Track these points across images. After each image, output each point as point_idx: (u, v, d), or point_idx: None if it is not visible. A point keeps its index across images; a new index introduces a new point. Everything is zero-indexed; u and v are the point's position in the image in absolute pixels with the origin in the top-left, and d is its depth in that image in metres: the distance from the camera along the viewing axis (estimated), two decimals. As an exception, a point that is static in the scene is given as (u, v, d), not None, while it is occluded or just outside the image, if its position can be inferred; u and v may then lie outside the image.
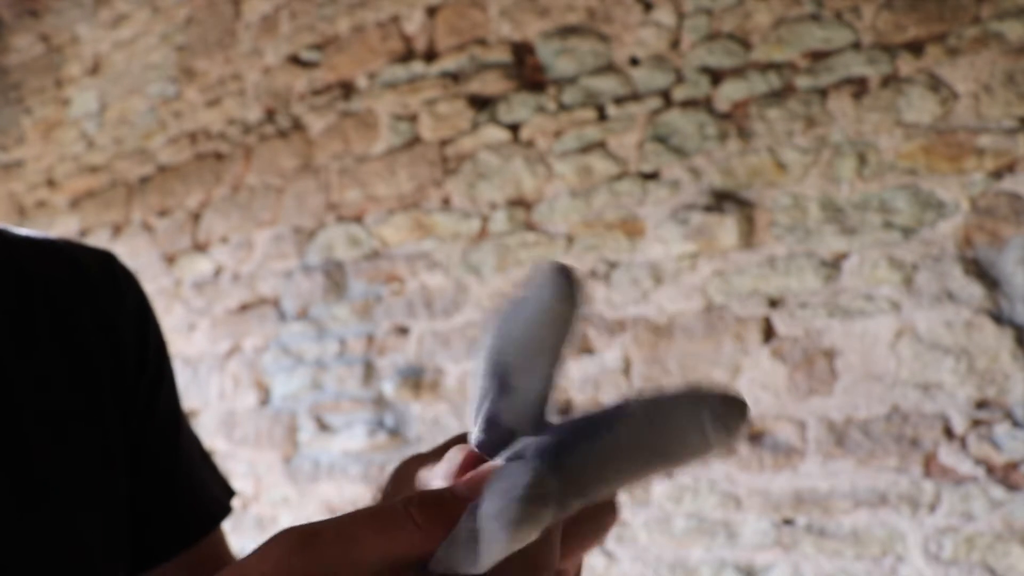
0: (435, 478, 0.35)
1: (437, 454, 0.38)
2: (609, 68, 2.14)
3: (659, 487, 1.99)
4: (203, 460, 0.69)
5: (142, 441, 0.62)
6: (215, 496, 0.68)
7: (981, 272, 1.69)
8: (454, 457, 0.34)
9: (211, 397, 2.79)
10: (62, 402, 0.57)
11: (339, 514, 0.30)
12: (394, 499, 0.31)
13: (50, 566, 0.52)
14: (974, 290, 1.69)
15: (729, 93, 1.97)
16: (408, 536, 0.30)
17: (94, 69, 3.31)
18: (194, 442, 0.69)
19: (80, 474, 0.56)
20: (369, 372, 2.47)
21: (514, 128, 2.27)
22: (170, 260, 2.96)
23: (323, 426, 2.55)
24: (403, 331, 2.42)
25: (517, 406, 0.29)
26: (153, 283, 2.94)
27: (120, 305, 0.63)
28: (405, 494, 0.32)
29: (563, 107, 2.20)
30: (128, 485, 0.60)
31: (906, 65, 1.79)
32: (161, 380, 0.65)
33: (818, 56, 1.88)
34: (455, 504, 0.31)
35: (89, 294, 0.62)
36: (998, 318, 1.67)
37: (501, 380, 0.29)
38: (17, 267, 0.59)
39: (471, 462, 0.33)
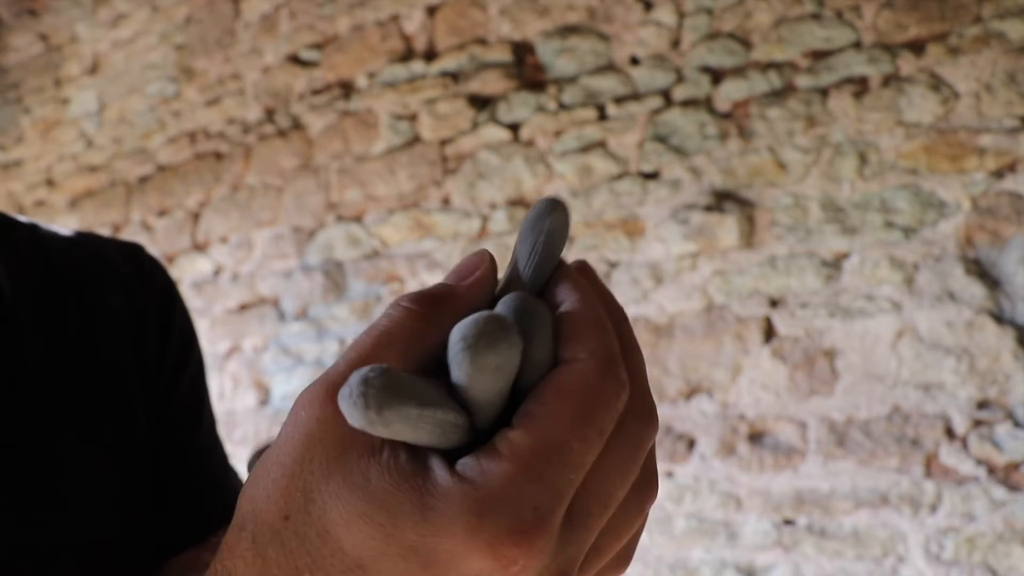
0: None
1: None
2: (609, 68, 2.14)
3: (659, 487, 1.98)
4: (225, 459, 0.69)
5: (162, 429, 0.62)
6: (234, 493, 0.67)
7: (982, 272, 1.69)
8: (469, 262, 0.32)
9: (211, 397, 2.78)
10: (89, 396, 0.57)
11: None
12: None
13: (74, 559, 0.52)
14: (975, 290, 1.69)
15: (729, 93, 1.97)
16: (409, 323, 0.29)
17: (93, 69, 3.31)
18: (217, 440, 0.69)
19: (105, 468, 0.56)
20: (369, 372, 2.47)
21: (514, 128, 2.27)
22: (169, 260, 2.96)
23: (323, 426, 2.55)
24: (403, 331, 2.42)
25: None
26: (152, 283, 2.94)
27: (145, 295, 0.64)
28: None
29: (563, 107, 2.19)
30: (153, 475, 0.60)
31: (907, 64, 1.78)
32: (184, 367, 0.65)
33: (819, 55, 1.88)
34: (453, 299, 0.30)
35: (116, 287, 0.62)
36: (999, 318, 1.67)
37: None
38: (47, 263, 0.60)
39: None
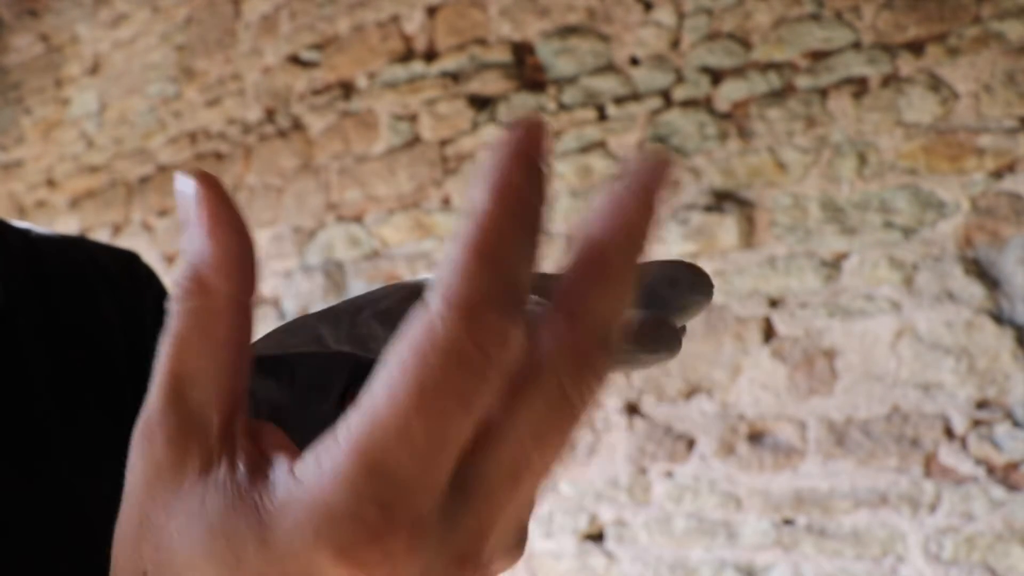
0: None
1: None
2: (609, 68, 2.14)
3: (659, 487, 1.99)
4: None
5: None
6: None
7: (981, 272, 1.69)
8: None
9: (211, 397, 2.79)
10: (87, 403, 0.57)
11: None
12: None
13: (69, 563, 0.52)
14: (974, 290, 1.69)
15: (729, 93, 1.97)
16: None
17: (94, 69, 3.31)
18: None
19: (103, 472, 0.56)
20: (369, 372, 2.47)
21: (514, 128, 2.27)
22: (170, 260, 2.96)
23: (323, 426, 2.55)
24: (403, 331, 2.42)
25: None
26: (153, 283, 2.94)
27: (140, 303, 0.63)
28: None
29: (563, 107, 2.20)
30: None
31: (906, 65, 1.79)
32: None
33: (818, 56, 1.88)
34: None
35: (109, 293, 0.62)
36: (998, 318, 1.67)
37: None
38: (39, 266, 0.59)
39: None
